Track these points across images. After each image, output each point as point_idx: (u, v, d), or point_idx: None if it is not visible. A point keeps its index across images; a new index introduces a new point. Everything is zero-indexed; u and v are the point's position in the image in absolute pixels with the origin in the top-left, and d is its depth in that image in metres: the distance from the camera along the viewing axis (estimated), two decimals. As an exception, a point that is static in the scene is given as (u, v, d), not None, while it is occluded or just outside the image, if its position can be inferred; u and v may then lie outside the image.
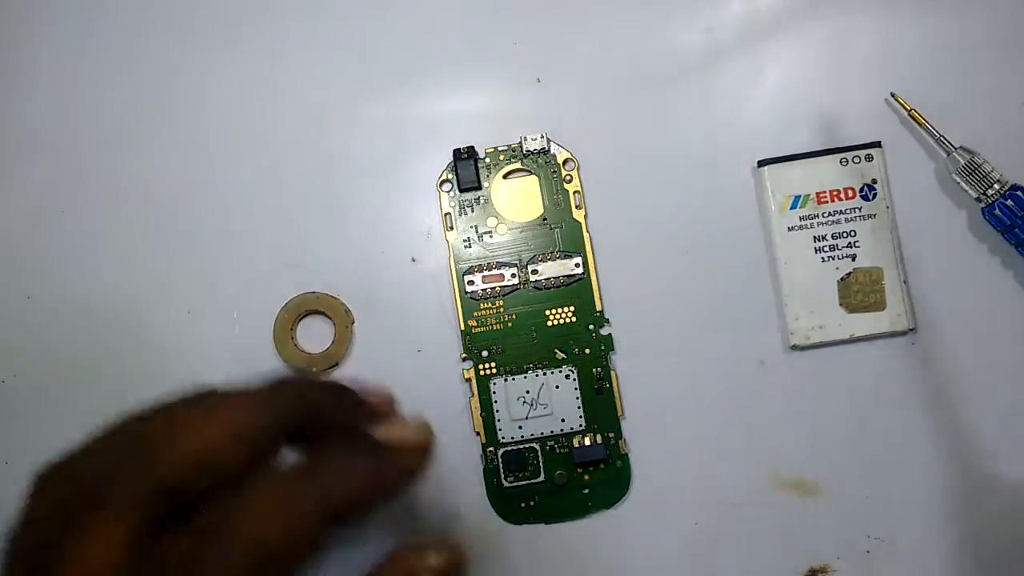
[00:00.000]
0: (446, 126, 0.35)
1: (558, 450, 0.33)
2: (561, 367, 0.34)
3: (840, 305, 0.33)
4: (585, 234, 0.34)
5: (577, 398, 0.33)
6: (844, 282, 0.33)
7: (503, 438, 0.33)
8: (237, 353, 0.34)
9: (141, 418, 0.20)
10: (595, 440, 0.33)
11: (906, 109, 0.34)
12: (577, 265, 0.34)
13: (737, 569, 0.33)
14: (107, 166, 0.35)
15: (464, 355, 0.34)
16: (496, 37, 0.35)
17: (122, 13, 0.36)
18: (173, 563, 0.18)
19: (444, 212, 0.35)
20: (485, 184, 0.35)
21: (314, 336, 0.34)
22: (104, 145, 0.36)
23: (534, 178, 0.35)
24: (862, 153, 0.34)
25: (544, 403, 0.33)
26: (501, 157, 0.35)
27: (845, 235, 0.34)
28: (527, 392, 0.34)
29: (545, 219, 0.34)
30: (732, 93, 0.35)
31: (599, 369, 0.34)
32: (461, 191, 0.35)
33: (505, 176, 0.35)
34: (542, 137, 0.34)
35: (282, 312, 0.34)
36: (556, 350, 0.34)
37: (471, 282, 0.34)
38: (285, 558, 0.19)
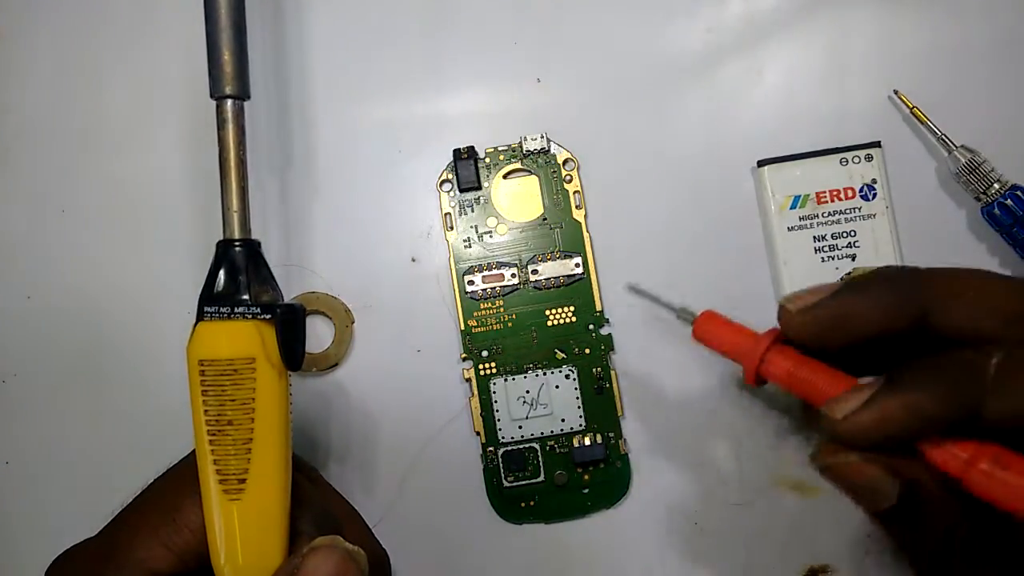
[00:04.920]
0: (446, 126, 0.35)
1: (558, 450, 0.33)
2: (561, 367, 0.34)
3: (840, 305, 0.33)
4: (585, 234, 0.34)
5: (577, 398, 0.33)
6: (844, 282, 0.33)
7: (503, 438, 0.33)
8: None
9: None
10: (595, 440, 0.33)
11: (908, 107, 0.33)
12: (577, 265, 0.34)
13: (737, 569, 0.33)
14: (107, 166, 0.35)
15: (464, 355, 0.34)
16: (496, 37, 0.35)
17: (123, 12, 0.36)
18: None
19: (444, 212, 0.35)
20: (485, 184, 0.35)
21: (314, 336, 0.34)
22: (104, 145, 0.36)
23: (534, 178, 0.35)
24: (862, 153, 0.34)
25: (544, 403, 0.33)
26: (501, 157, 0.35)
27: (845, 235, 0.34)
28: (527, 392, 0.34)
29: (545, 219, 0.34)
30: (732, 93, 0.35)
31: (599, 369, 0.34)
32: (461, 191, 0.35)
33: (505, 176, 0.35)
34: (542, 137, 0.34)
35: (282, 312, 0.34)
36: (556, 350, 0.34)
37: (471, 282, 0.34)
38: None
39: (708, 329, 0.27)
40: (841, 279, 0.33)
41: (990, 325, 0.22)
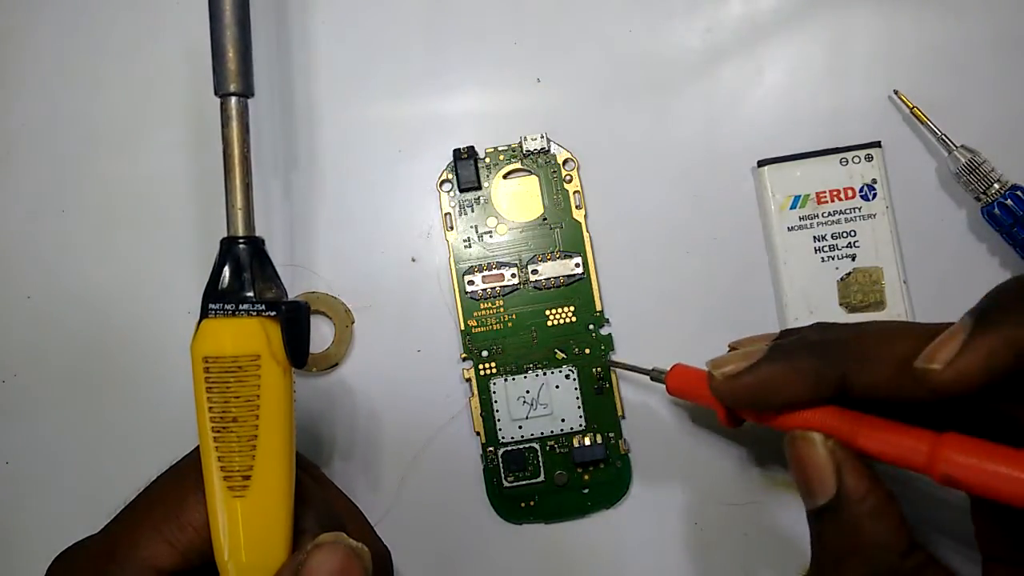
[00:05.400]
0: (446, 126, 0.35)
1: (558, 450, 0.33)
2: (561, 367, 0.34)
3: (840, 305, 0.33)
4: (585, 234, 0.34)
5: (577, 398, 0.33)
6: (844, 282, 0.33)
7: (503, 438, 0.33)
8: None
9: None
10: (595, 440, 0.33)
11: (908, 107, 0.34)
12: (577, 265, 0.34)
13: (737, 569, 0.33)
14: (107, 166, 0.35)
15: (464, 355, 0.34)
16: (496, 37, 0.35)
17: (123, 12, 0.36)
18: None
19: (444, 212, 0.35)
20: (485, 184, 0.35)
21: (314, 336, 0.34)
22: (103, 145, 0.36)
23: (534, 178, 0.35)
24: (862, 153, 0.34)
25: (544, 403, 0.33)
26: (501, 157, 0.35)
27: (845, 235, 0.34)
28: (527, 392, 0.34)
29: (545, 219, 0.34)
30: (732, 93, 0.35)
31: (599, 369, 0.34)
32: (461, 191, 0.35)
33: (505, 176, 0.35)
34: (542, 137, 0.34)
35: (282, 312, 0.34)
36: (556, 350, 0.34)
37: (471, 282, 0.34)
38: None
39: (677, 385, 0.29)
40: (839, 281, 0.33)
41: (902, 381, 0.21)
